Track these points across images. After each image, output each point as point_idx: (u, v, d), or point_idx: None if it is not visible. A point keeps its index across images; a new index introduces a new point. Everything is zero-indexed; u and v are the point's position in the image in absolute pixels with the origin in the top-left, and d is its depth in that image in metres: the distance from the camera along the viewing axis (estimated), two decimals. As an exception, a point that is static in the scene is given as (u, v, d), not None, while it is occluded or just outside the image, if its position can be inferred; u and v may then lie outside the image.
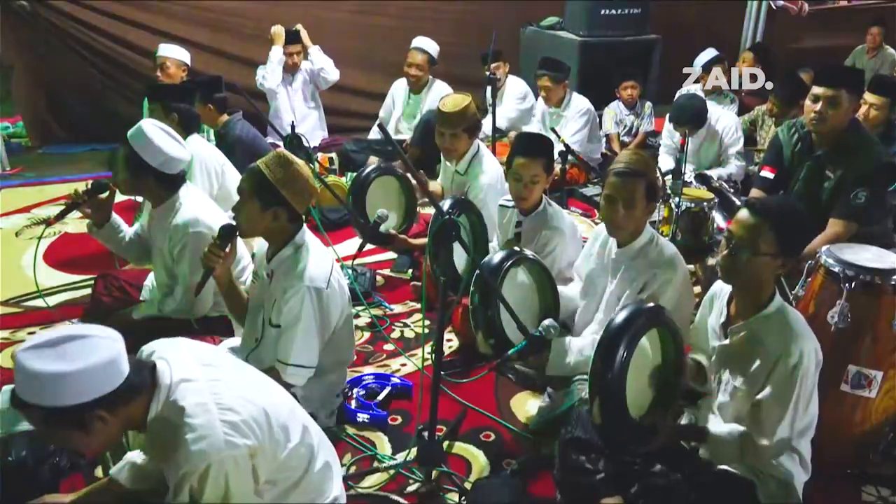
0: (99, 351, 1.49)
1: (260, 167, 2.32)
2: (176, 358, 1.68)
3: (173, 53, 4.96)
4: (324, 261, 2.42)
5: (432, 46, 5.34)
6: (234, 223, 2.43)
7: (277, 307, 2.37)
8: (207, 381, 1.65)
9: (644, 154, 2.56)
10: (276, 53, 5.44)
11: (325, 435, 2.03)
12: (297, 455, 1.79)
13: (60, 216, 2.91)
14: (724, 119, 4.66)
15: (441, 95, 3.97)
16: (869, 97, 3.81)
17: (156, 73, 4.90)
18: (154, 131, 2.65)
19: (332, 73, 5.65)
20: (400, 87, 5.59)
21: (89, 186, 2.86)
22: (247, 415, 1.62)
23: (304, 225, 2.45)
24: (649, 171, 2.40)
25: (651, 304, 2.06)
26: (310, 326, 2.36)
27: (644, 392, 2.06)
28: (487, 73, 4.70)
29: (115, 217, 2.96)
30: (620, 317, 1.93)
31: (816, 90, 3.03)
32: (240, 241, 2.67)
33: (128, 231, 3.01)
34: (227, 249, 2.44)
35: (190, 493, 1.56)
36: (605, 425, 1.93)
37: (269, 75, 5.44)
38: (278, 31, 5.45)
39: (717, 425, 2.08)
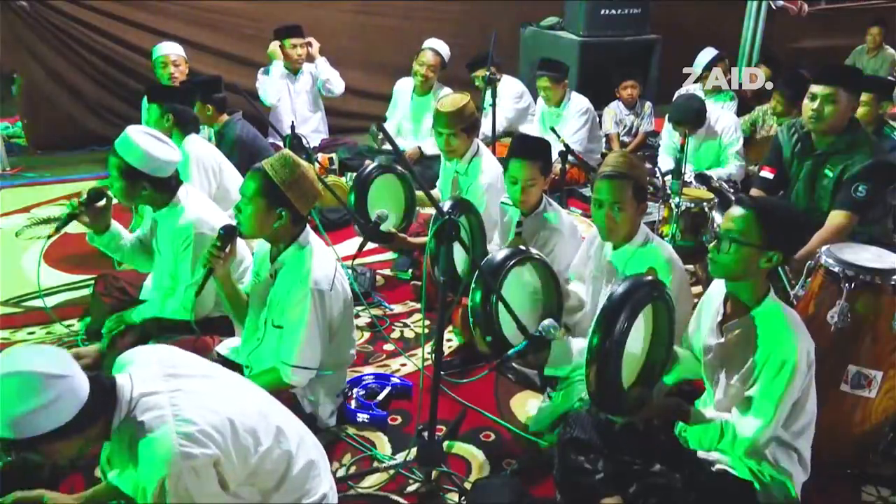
0: (45, 392, 1.50)
1: (265, 168, 2.32)
2: (140, 372, 1.70)
3: (177, 50, 4.95)
4: (327, 262, 2.42)
5: (445, 49, 5.28)
6: (234, 224, 2.43)
7: (280, 308, 2.37)
8: (169, 393, 1.66)
9: (630, 156, 2.54)
10: (278, 68, 5.38)
11: (312, 433, 2.04)
12: (271, 458, 1.79)
13: (60, 227, 2.89)
14: (723, 119, 4.66)
15: None
16: None
17: (166, 72, 4.85)
18: (140, 137, 2.64)
19: (338, 87, 5.55)
20: (404, 88, 5.49)
21: (86, 195, 2.86)
22: (206, 425, 1.63)
23: (308, 226, 2.45)
24: (636, 172, 2.39)
25: (651, 278, 2.06)
26: (313, 328, 2.36)
27: (634, 364, 2.07)
28: (487, 72, 4.69)
29: (115, 224, 2.96)
30: (623, 286, 1.95)
31: (814, 89, 3.03)
32: (241, 242, 2.67)
33: (128, 237, 3.01)
34: (228, 250, 2.43)
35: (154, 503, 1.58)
36: (598, 391, 1.93)
37: (270, 91, 5.37)
38: (275, 49, 5.37)
39: (706, 410, 2.09)
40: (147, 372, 1.70)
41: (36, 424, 1.51)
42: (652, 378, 2.11)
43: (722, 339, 2.10)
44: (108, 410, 1.62)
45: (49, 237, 2.96)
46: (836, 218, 3.02)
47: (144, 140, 2.64)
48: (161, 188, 2.73)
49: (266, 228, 2.37)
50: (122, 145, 2.64)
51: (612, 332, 1.87)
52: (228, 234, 2.43)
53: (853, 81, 3.10)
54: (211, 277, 2.48)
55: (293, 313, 2.34)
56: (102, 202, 2.87)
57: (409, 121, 5.47)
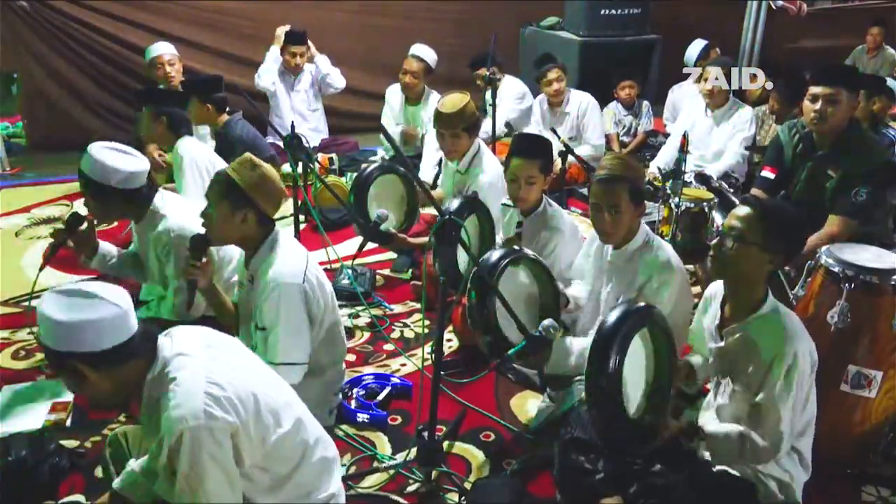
0: (94, 310, 1.58)
1: (228, 172, 2.34)
2: (181, 336, 1.76)
3: (170, 49, 4.94)
4: (298, 256, 2.43)
5: (430, 55, 5.25)
6: (202, 232, 2.43)
7: (259, 309, 2.38)
8: (204, 358, 1.71)
9: (626, 157, 2.54)
10: (273, 53, 5.43)
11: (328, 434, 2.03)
12: (288, 444, 1.80)
13: (48, 257, 2.89)
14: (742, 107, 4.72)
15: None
16: None
17: (161, 72, 4.83)
18: (102, 153, 2.64)
19: (338, 81, 5.58)
20: (395, 95, 5.46)
21: (66, 223, 2.86)
22: (233, 393, 1.66)
23: (276, 227, 2.45)
24: (632, 174, 2.38)
25: (641, 304, 2.05)
26: (292, 322, 2.36)
27: (640, 391, 2.06)
28: (487, 73, 4.69)
29: (104, 244, 2.98)
30: (611, 318, 1.93)
31: (815, 90, 3.03)
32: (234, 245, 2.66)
33: (120, 254, 3.03)
34: (204, 259, 2.44)
35: (168, 457, 1.60)
36: (604, 428, 1.93)
37: (263, 73, 5.42)
38: (280, 33, 5.43)
39: (715, 425, 2.08)
40: (188, 339, 1.76)
41: (77, 339, 1.56)
42: (662, 403, 2.07)
43: (722, 344, 2.09)
44: (146, 357, 1.68)
45: (40, 269, 2.93)
46: (832, 225, 3.02)
47: (107, 155, 2.64)
48: (135, 200, 2.73)
49: (233, 232, 2.37)
50: (87, 165, 2.63)
51: (605, 368, 1.85)
52: (199, 244, 2.43)
53: (854, 81, 3.10)
54: (196, 290, 2.49)
55: (268, 312, 2.35)
56: (84, 226, 2.87)
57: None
